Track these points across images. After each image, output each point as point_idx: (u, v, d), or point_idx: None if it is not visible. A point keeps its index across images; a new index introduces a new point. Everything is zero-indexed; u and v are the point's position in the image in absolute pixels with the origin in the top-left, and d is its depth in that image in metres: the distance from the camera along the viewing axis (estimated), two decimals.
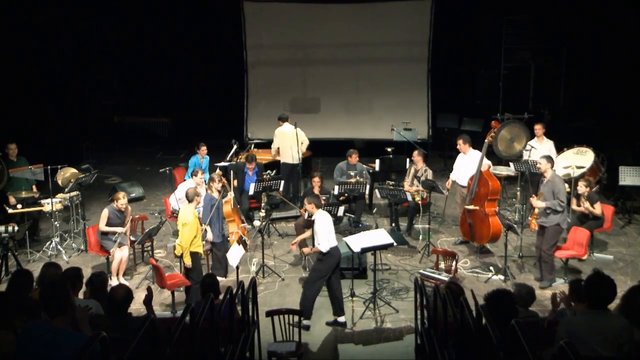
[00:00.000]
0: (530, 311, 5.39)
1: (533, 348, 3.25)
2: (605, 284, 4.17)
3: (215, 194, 8.44)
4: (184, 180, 10.44)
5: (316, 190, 9.42)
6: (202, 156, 10.96)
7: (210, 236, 8.22)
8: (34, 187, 9.73)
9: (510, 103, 14.58)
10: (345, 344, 6.89)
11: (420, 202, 9.72)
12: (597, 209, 8.72)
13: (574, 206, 8.94)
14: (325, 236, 7.11)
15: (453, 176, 9.74)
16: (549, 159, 8.06)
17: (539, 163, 8.04)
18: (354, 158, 10.36)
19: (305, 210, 7.57)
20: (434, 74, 14.72)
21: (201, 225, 7.98)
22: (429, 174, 9.85)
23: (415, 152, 10.11)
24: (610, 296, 4.15)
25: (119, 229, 8.40)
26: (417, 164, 9.99)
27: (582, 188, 8.75)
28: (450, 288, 5.34)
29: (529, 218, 8.10)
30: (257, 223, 9.22)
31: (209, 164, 11.11)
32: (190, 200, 7.77)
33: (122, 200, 8.51)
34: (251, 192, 9.76)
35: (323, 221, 7.21)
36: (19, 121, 12.16)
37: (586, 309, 4.38)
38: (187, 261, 7.55)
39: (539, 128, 10.21)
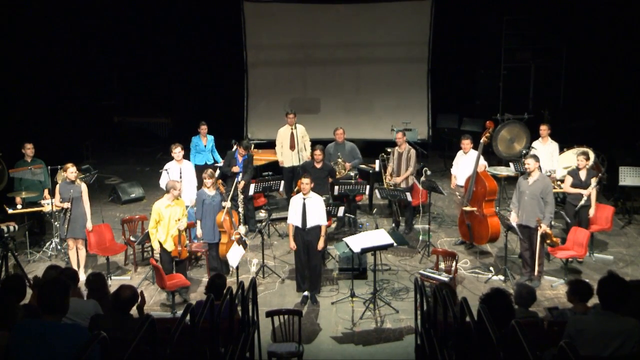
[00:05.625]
0: (530, 311, 5.38)
1: (533, 348, 3.25)
2: (618, 285, 4.15)
3: (207, 191, 8.34)
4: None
5: (318, 165, 9.30)
6: (203, 135, 10.79)
7: (199, 232, 8.31)
8: (45, 191, 9.48)
9: (510, 103, 14.58)
10: (345, 344, 6.89)
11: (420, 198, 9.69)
12: (592, 185, 8.59)
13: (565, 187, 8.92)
14: None
15: (454, 171, 9.70)
16: (536, 158, 8.06)
17: (527, 164, 7.98)
18: (339, 134, 10.20)
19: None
20: (434, 74, 14.72)
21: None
22: (413, 155, 9.79)
23: (399, 134, 9.91)
24: (623, 298, 4.10)
25: (65, 204, 8.21)
26: (400, 146, 9.84)
27: (582, 162, 8.71)
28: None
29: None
30: (242, 229, 9.05)
31: (214, 144, 10.97)
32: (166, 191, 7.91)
33: (71, 169, 8.30)
34: (251, 192, 9.71)
35: None
36: (19, 121, 12.15)
37: (590, 308, 4.38)
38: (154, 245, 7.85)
39: (544, 129, 10.11)
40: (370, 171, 10.77)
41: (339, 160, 10.05)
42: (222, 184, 9.06)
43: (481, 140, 9.05)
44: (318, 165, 9.34)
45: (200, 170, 9.88)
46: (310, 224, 7.75)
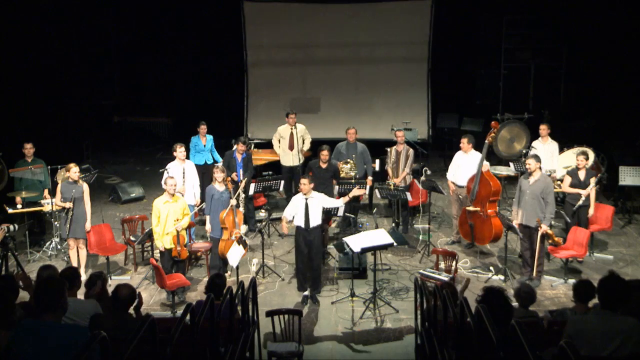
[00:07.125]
0: (530, 311, 5.39)
1: (533, 348, 3.25)
2: (618, 285, 4.15)
3: (217, 186, 8.35)
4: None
5: (323, 165, 9.35)
6: (202, 135, 10.81)
7: (208, 227, 8.32)
8: (45, 190, 9.48)
9: (510, 103, 14.57)
10: (345, 344, 6.89)
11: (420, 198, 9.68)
12: (591, 185, 8.60)
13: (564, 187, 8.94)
14: None
15: (450, 177, 9.61)
16: (537, 158, 8.08)
17: (528, 164, 8.01)
18: (351, 134, 10.15)
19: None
20: (434, 74, 14.70)
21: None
22: (411, 154, 9.82)
23: (400, 132, 9.91)
24: (622, 298, 4.11)
25: (67, 204, 8.27)
26: (399, 145, 9.85)
27: (582, 162, 8.72)
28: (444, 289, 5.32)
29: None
30: (243, 229, 9.00)
31: (213, 144, 11.00)
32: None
33: (74, 169, 8.37)
34: (251, 192, 9.70)
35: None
36: (19, 121, 12.15)
37: (589, 309, 4.37)
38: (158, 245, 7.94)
39: (543, 129, 10.09)
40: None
41: (350, 161, 9.98)
42: (230, 181, 9.07)
43: (486, 141, 9.02)
44: (323, 166, 9.33)
45: (199, 170, 9.90)
46: (312, 224, 7.75)
